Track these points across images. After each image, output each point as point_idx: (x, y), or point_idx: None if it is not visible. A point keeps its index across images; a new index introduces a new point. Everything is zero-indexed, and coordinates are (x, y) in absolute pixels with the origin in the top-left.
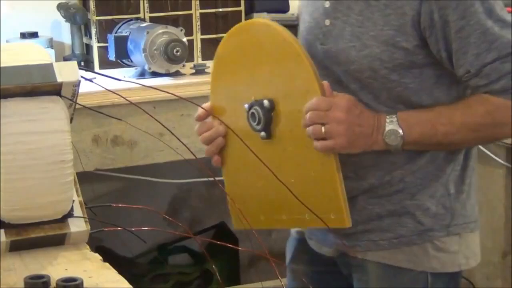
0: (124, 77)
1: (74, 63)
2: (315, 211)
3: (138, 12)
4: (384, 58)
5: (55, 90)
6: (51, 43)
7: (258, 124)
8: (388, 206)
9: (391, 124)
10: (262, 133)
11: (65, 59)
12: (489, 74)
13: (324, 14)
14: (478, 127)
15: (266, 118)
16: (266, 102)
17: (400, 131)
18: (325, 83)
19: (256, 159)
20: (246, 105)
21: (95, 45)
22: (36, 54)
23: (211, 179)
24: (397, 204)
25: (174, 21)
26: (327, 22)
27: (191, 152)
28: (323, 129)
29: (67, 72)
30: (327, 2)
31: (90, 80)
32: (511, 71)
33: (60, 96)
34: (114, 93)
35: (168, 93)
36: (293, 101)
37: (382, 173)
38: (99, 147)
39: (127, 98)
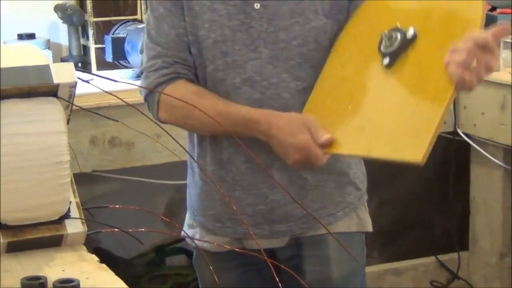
0: (122, 78)
1: (70, 65)
2: (398, 143)
3: (135, 14)
4: (327, 30)
5: (52, 91)
6: (48, 45)
7: (388, 47)
8: (334, 180)
9: None
10: (386, 59)
11: (63, 60)
12: None
13: None
14: None
15: (401, 45)
16: (411, 31)
17: None
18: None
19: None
20: (386, 31)
21: (92, 46)
22: (33, 55)
23: (209, 180)
24: (341, 176)
25: None
26: (257, 5)
27: (188, 153)
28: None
29: (63, 73)
30: None
31: (87, 82)
32: None
33: (57, 97)
34: (111, 94)
35: (166, 94)
36: (444, 31)
37: None
38: (96, 148)
39: (124, 100)
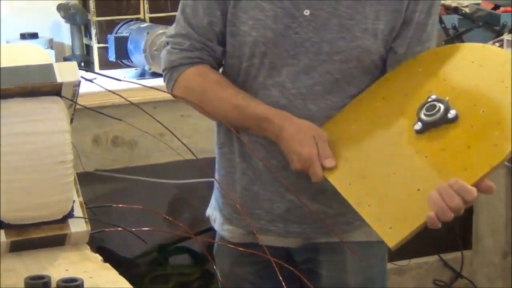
0: (124, 77)
1: (74, 64)
2: (384, 215)
3: (138, 13)
4: (373, 51)
5: (55, 90)
6: (51, 44)
7: (426, 115)
8: None
9: None
10: (419, 125)
11: (65, 59)
12: None
13: (304, 4)
14: None
15: (439, 120)
16: (453, 113)
17: None
18: None
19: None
20: (434, 95)
21: (95, 45)
22: (36, 54)
23: (212, 179)
24: None
25: (174, 22)
26: (307, 12)
27: (192, 152)
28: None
29: (67, 72)
30: None
31: (90, 81)
32: None
33: (60, 96)
34: (114, 93)
35: (168, 93)
36: (481, 122)
37: None
38: (99, 148)
39: (127, 99)
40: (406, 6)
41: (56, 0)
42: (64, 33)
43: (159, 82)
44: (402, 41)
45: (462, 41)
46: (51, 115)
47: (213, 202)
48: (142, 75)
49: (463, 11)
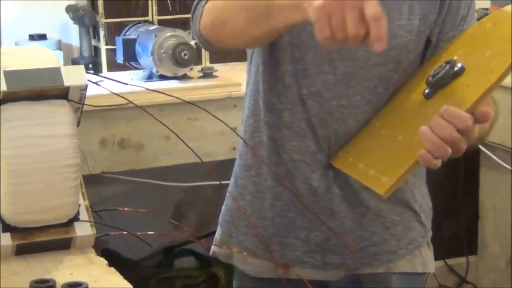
0: (132, 79)
1: (81, 67)
2: (383, 166)
3: (147, 15)
4: (410, 48)
5: (62, 94)
6: (59, 45)
7: (433, 78)
8: (398, 211)
9: None
10: (427, 90)
11: (74, 61)
12: None
13: None
14: (493, 122)
15: (444, 77)
16: (459, 64)
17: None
18: None
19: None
20: (444, 62)
21: (103, 47)
22: (44, 58)
23: (218, 182)
24: (404, 206)
25: (182, 24)
26: None
27: (197, 156)
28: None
29: (74, 76)
30: None
31: (97, 84)
32: None
33: (67, 100)
34: (121, 96)
35: (173, 96)
36: (471, 76)
37: None
38: (106, 150)
39: (134, 102)
40: None
41: (65, 1)
42: (73, 35)
43: (167, 84)
44: (436, 29)
45: None
46: (58, 119)
47: (222, 238)
48: (150, 77)
49: None
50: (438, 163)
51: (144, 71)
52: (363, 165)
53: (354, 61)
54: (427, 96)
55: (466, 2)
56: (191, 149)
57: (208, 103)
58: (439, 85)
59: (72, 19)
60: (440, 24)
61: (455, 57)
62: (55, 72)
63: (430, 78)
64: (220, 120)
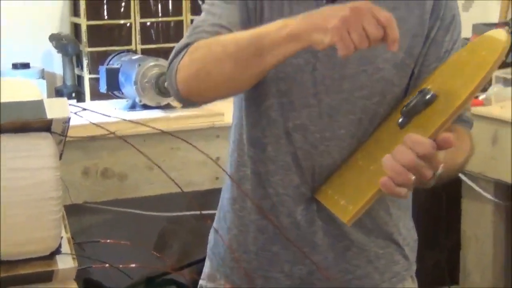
0: (115, 109)
1: (64, 100)
2: (352, 195)
3: (130, 44)
4: (395, 82)
5: (45, 126)
6: (42, 74)
7: (406, 106)
8: (381, 244)
9: (441, 167)
10: (401, 119)
11: (57, 90)
12: None
13: None
14: (468, 158)
15: (417, 105)
16: (430, 92)
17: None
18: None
19: None
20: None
21: (86, 76)
22: (26, 90)
23: (198, 212)
24: (388, 239)
25: (165, 54)
26: None
27: (178, 186)
28: (413, 178)
29: (57, 108)
30: None
31: (77, 114)
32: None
33: (50, 132)
34: (103, 128)
35: (153, 128)
36: (441, 104)
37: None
38: (89, 180)
39: (116, 132)
40: (427, 30)
41: (48, 30)
42: (56, 63)
43: (150, 114)
44: (420, 60)
45: None
46: (40, 152)
47: (210, 271)
48: (133, 107)
49: None
50: (402, 191)
51: (127, 101)
52: (338, 196)
53: (339, 94)
54: (401, 125)
55: (452, 35)
56: (172, 179)
57: (191, 133)
58: (412, 114)
59: (56, 48)
60: (424, 56)
61: (429, 86)
62: (38, 104)
63: (404, 107)
64: (201, 152)
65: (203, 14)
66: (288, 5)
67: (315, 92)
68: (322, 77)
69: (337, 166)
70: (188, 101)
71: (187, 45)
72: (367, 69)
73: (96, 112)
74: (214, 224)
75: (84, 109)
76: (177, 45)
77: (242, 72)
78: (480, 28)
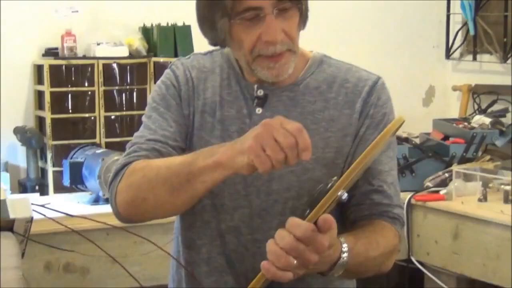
0: (78, 202)
1: (26, 200)
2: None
3: (94, 137)
4: (324, 181)
5: (7, 226)
6: (6, 167)
7: (309, 197)
8: None
9: (345, 256)
10: (307, 211)
11: (20, 182)
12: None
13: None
14: (389, 253)
15: (318, 196)
16: (331, 182)
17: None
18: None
19: None
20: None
21: (50, 169)
22: None
23: None
24: None
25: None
26: None
27: (138, 282)
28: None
29: (20, 208)
30: (259, 110)
31: (43, 215)
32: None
33: (13, 232)
34: (65, 226)
35: (114, 226)
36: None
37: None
38: (51, 274)
39: (78, 228)
40: (357, 129)
41: (12, 123)
42: (20, 156)
43: None
44: (349, 159)
45: (413, 171)
46: (3, 251)
47: None
48: (96, 200)
49: (414, 141)
50: (284, 275)
51: (91, 194)
52: None
53: (268, 196)
54: (305, 217)
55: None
56: (131, 275)
57: (154, 227)
58: (314, 204)
59: (20, 141)
60: (352, 154)
61: (334, 177)
62: (1, 204)
63: (311, 198)
64: (161, 248)
65: (141, 127)
66: (220, 109)
67: (246, 194)
68: (252, 178)
69: None
70: (130, 222)
71: (124, 166)
72: (295, 170)
73: (57, 211)
74: None
75: (44, 206)
76: (116, 165)
77: (176, 197)
78: (440, 124)
